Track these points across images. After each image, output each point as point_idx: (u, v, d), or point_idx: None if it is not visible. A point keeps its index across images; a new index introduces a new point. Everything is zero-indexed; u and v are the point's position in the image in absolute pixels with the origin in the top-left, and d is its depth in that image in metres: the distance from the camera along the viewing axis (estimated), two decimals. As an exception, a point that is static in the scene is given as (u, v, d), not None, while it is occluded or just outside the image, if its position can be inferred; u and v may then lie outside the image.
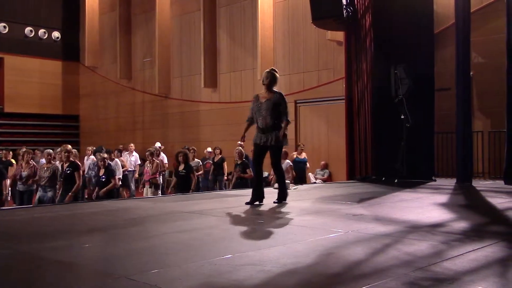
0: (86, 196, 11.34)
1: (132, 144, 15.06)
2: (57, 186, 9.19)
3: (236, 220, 5.42)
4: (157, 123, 19.77)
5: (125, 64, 20.75)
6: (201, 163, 12.31)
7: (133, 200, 8.12)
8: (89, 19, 21.91)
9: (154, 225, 5.19)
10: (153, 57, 19.49)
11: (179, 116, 18.93)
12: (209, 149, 14.24)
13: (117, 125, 21.46)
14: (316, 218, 5.49)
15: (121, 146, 16.09)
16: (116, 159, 12.21)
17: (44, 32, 22.24)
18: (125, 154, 14.23)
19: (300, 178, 11.95)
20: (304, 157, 13.01)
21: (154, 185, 10.62)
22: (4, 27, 21.03)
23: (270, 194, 6.91)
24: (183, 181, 9.88)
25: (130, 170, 13.64)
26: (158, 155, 12.16)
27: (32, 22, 21.92)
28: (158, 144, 15.07)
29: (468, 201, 7.49)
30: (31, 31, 21.82)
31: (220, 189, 12.25)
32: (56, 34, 22.66)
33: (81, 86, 23.39)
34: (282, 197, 6.74)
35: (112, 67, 21.46)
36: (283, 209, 6.22)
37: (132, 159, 14.14)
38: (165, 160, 13.93)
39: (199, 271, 3.21)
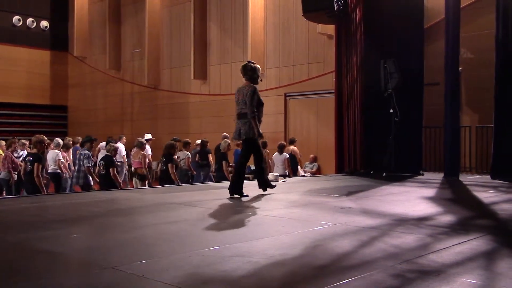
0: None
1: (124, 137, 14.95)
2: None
3: (224, 211, 5.42)
4: (146, 115, 19.68)
5: (114, 54, 20.60)
6: (189, 155, 12.21)
7: (121, 191, 8.09)
8: (78, 8, 21.70)
9: (142, 216, 5.18)
10: (142, 48, 19.37)
11: (168, 108, 18.86)
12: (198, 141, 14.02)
13: (106, 116, 21.33)
14: (304, 211, 5.51)
15: (110, 137, 15.84)
16: (119, 143, 12.50)
17: (32, 21, 21.98)
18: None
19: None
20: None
21: (139, 176, 10.59)
22: (-8, 15, 20.80)
23: (256, 187, 6.92)
24: (162, 173, 9.85)
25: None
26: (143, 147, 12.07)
27: (20, 11, 21.65)
28: (148, 136, 14.85)
29: (455, 195, 7.56)
30: (19, 20, 21.55)
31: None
32: (44, 23, 22.41)
33: (69, 76, 23.20)
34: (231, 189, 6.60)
35: (101, 58, 21.30)
36: (271, 202, 6.24)
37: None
38: (149, 152, 13.71)
39: (187, 262, 3.21)
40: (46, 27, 22.46)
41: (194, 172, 11.87)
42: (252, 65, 6.59)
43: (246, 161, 6.69)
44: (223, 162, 11.19)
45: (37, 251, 3.59)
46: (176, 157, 10.51)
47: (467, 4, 11.27)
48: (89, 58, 22.10)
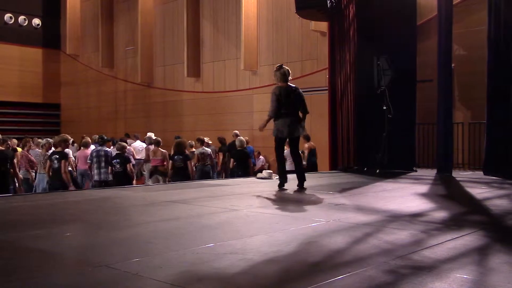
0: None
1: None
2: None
3: (218, 209, 5.42)
4: (140, 112, 19.63)
5: (107, 52, 20.53)
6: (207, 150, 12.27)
7: (115, 189, 8.07)
8: (70, 6, 21.60)
9: (136, 214, 5.16)
10: (135, 45, 19.32)
11: (162, 106, 18.83)
12: (206, 139, 13.80)
13: (99, 114, 21.27)
14: (298, 208, 5.52)
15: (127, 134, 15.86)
16: (130, 146, 12.53)
17: (24, 19, 21.85)
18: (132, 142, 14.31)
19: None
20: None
21: (161, 173, 10.72)
22: (-17, 13, 20.66)
23: (254, 184, 6.93)
24: (179, 170, 9.90)
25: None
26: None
27: (12, 9, 21.53)
28: (151, 135, 14.69)
29: (448, 191, 7.59)
30: (10, 17, 21.43)
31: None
32: (36, 21, 22.29)
33: (62, 74, 23.10)
34: (302, 181, 7.27)
35: (94, 55, 21.22)
36: (265, 199, 6.24)
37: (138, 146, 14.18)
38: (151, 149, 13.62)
39: (181, 259, 3.21)
40: (38, 25, 22.34)
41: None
42: (286, 68, 7.15)
43: (296, 154, 7.42)
44: (249, 160, 11.22)
45: (31, 250, 3.57)
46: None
47: (460, 1, 11.30)
48: (81, 56, 22.01)
